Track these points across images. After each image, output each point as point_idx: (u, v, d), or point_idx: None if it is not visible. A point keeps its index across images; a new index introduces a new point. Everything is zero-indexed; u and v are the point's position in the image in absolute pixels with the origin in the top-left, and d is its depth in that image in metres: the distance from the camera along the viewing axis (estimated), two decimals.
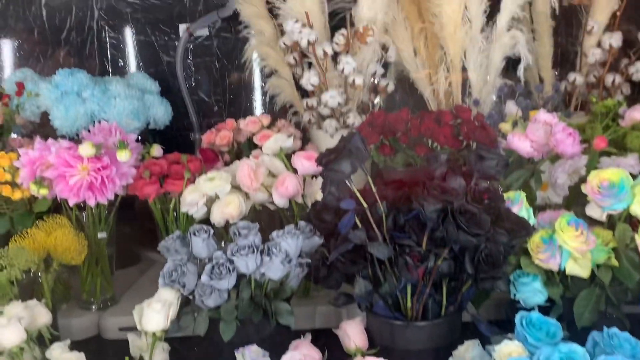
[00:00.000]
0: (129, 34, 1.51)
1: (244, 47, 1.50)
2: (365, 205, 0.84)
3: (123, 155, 1.02)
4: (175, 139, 1.51)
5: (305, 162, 1.06)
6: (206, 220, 1.12)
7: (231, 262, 0.87)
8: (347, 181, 0.83)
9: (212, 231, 0.92)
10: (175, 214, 1.15)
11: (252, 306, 0.90)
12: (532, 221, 0.92)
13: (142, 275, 1.38)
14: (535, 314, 0.81)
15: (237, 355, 0.84)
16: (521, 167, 1.06)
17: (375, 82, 1.29)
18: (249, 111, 1.54)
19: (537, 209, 1.03)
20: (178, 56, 1.45)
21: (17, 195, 1.06)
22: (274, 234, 0.91)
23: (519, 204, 0.92)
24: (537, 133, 1.03)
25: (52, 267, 1.06)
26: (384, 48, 1.27)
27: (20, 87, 1.23)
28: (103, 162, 1.02)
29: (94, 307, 1.18)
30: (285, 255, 0.88)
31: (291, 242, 0.89)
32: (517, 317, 0.81)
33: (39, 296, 1.01)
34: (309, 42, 1.18)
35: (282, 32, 1.30)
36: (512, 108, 1.20)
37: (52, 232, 1.08)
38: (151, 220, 1.34)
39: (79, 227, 1.12)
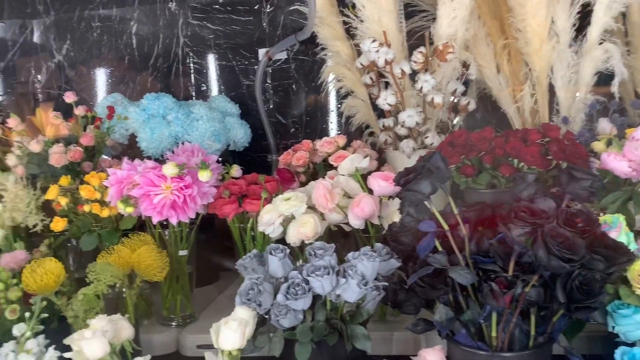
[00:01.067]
0: (211, 59, 1.57)
1: (320, 68, 1.52)
2: (446, 227, 0.81)
3: (204, 176, 1.05)
4: (254, 160, 1.54)
5: (381, 183, 1.03)
6: (282, 240, 1.13)
7: (307, 282, 0.85)
8: (426, 202, 0.80)
9: (288, 250, 0.91)
10: (252, 233, 1.16)
11: (328, 328, 0.88)
12: (632, 247, 0.84)
13: (220, 294, 1.40)
14: (638, 350, 0.74)
15: None
16: (617, 188, 0.98)
17: (455, 100, 1.25)
18: (324, 132, 1.54)
19: (638, 233, 0.94)
20: (257, 79, 1.49)
21: (105, 213, 1.11)
22: (350, 255, 0.89)
23: (617, 228, 0.85)
24: (635, 152, 0.95)
25: (135, 283, 1.09)
26: (465, 65, 1.23)
27: (111, 110, 1.30)
28: (185, 182, 1.05)
29: (173, 323, 1.21)
30: (362, 277, 0.85)
31: (367, 264, 0.86)
32: (617, 353, 0.74)
33: (122, 311, 1.05)
34: (386, 61, 1.17)
35: (359, 53, 1.30)
36: (605, 126, 1.12)
37: (137, 249, 1.12)
38: (229, 239, 1.37)
39: (162, 245, 1.16)
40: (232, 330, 0.82)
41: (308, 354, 0.87)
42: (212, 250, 1.44)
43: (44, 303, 0.96)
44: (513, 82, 1.24)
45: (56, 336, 0.99)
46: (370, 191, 1.09)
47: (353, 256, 0.88)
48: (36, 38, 1.65)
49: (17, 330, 0.93)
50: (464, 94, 1.26)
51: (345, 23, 1.30)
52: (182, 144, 1.26)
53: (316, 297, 0.88)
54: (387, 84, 1.28)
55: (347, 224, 1.10)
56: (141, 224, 1.19)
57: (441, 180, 0.78)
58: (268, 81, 1.54)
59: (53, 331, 0.99)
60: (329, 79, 1.40)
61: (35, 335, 0.94)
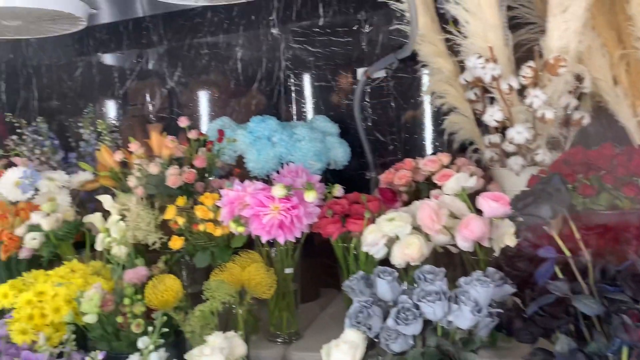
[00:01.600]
0: (311, 80, 1.61)
1: (419, 85, 1.51)
2: (567, 253, 0.76)
3: (310, 196, 1.07)
4: (352, 178, 1.55)
5: (492, 204, 1.00)
6: (385, 260, 1.12)
7: (417, 307, 0.84)
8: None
9: (396, 274, 0.91)
10: (355, 252, 1.17)
11: (439, 355, 0.86)
12: None
13: (322, 311, 1.42)
14: None
15: None
16: None
17: (568, 115, 1.18)
18: (423, 149, 1.52)
19: None
20: (356, 98, 1.50)
21: (218, 232, 1.17)
22: (462, 280, 0.87)
23: None
24: None
25: (245, 300, 1.14)
26: (577, 78, 1.16)
27: (221, 134, 1.37)
28: (292, 202, 1.08)
29: (279, 340, 1.24)
30: (475, 304, 0.83)
31: (481, 290, 0.84)
32: None
33: (232, 326, 1.09)
34: (493, 77, 1.14)
35: (462, 69, 1.27)
36: None
37: (247, 266, 1.16)
38: (330, 257, 1.38)
39: (268, 263, 1.20)
40: (343, 353, 0.83)
41: None
42: (313, 268, 1.46)
43: (165, 318, 1.02)
44: (632, 94, 1.16)
45: (174, 350, 1.06)
46: (478, 211, 1.06)
47: (465, 281, 0.86)
48: (151, 66, 1.78)
49: (141, 343, 0.99)
50: (577, 108, 1.19)
51: (447, 40, 1.28)
52: (287, 164, 1.30)
53: (427, 322, 0.87)
54: (492, 100, 1.24)
55: (454, 245, 1.08)
56: (249, 242, 1.23)
57: (562, 204, 0.74)
58: (366, 99, 1.55)
59: (171, 345, 1.05)
60: (429, 95, 1.38)
61: (157, 348, 1.01)
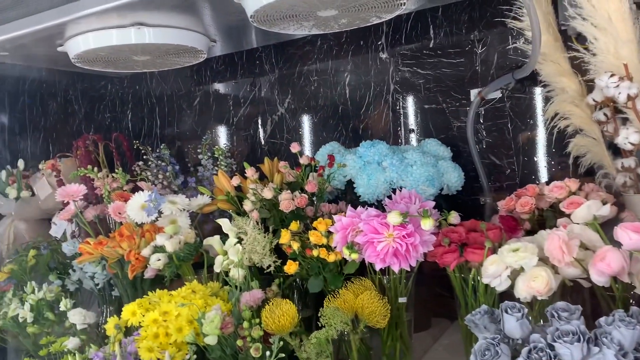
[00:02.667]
0: (420, 103, 1.58)
1: (538, 106, 1.43)
2: None
3: (427, 224, 1.04)
4: (465, 204, 1.49)
5: (633, 235, 0.91)
6: (505, 293, 1.06)
7: (552, 348, 0.78)
8: None
9: (526, 310, 0.85)
10: (473, 283, 1.11)
11: None
12: None
13: (435, 341, 1.36)
14: None
15: None
16: None
17: None
18: (542, 173, 1.43)
19: None
20: (469, 121, 1.45)
21: (331, 258, 1.17)
22: (602, 320, 0.79)
23: None
24: None
25: (359, 328, 1.12)
26: None
27: (331, 159, 1.38)
28: (408, 230, 1.06)
29: None
30: (619, 347, 0.75)
31: (625, 332, 0.76)
32: None
33: (343, 355, 1.08)
34: (628, 97, 1.04)
35: (588, 88, 1.19)
36: None
37: (359, 293, 1.15)
38: (441, 286, 1.33)
39: (381, 290, 1.18)
40: None
41: None
42: (423, 296, 1.41)
43: (281, 343, 1.03)
44: None
45: None
46: (614, 243, 0.97)
47: (606, 322, 0.78)
48: (262, 93, 1.85)
49: None
50: None
51: (572, 58, 1.20)
52: (400, 189, 1.28)
53: None
54: (624, 120, 1.14)
55: (586, 279, 0.99)
56: (361, 268, 1.22)
57: None
58: (480, 121, 1.49)
59: None
60: (551, 117, 1.30)
61: None
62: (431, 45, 1.55)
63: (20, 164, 2.12)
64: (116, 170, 1.64)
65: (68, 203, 1.61)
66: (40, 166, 2.05)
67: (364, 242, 1.10)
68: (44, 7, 1.38)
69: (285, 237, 1.21)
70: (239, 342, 1.04)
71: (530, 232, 1.16)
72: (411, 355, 1.22)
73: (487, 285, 1.08)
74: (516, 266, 1.01)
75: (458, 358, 1.21)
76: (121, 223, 1.51)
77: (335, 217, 1.17)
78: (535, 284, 0.98)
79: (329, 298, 1.16)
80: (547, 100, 1.38)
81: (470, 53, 1.49)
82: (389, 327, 1.19)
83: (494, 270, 1.03)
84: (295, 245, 1.18)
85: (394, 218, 1.04)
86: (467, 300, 1.13)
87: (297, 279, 1.36)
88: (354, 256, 1.10)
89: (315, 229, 1.20)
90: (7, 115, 2.48)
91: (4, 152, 2.48)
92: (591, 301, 1.09)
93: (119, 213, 1.54)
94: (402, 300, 1.18)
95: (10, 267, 1.47)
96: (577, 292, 1.08)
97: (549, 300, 0.99)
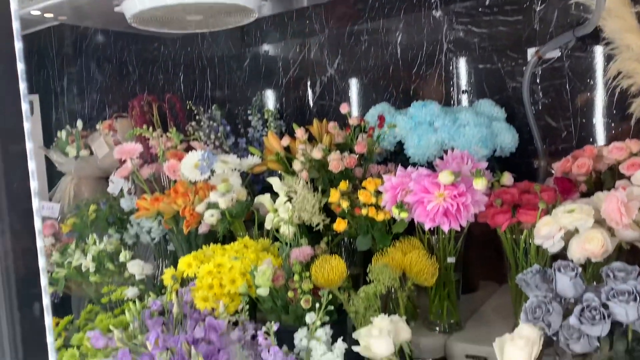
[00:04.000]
0: (475, 63, 1.54)
1: (599, 65, 1.37)
2: None
3: (480, 184, 1.03)
4: (518, 166, 1.45)
5: None
6: (557, 255, 1.04)
7: (606, 307, 0.77)
8: None
9: (579, 270, 0.83)
10: (524, 245, 1.10)
11: None
12: None
13: (482, 304, 1.36)
14: None
15: None
16: None
17: None
18: (601, 136, 1.38)
19: None
20: (525, 81, 1.41)
21: (380, 217, 1.18)
22: None
23: None
24: None
25: (407, 286, 1.13)
26: None
27: (382, 119, 1.37)
28: (459, 190, 1.05)
29: (437, 329, 1.22)
30: None
31: None
32: None
33: (390, 312, 1.10)
34: None
35: None
36: None
37: (408, 252, 1.16)
38: (490, 248, 1.32)
39: (429, 250, 1.18)
40: (519, 348, 0.78)
41: None
42: (472, 259, 1.41)
43: (330, 296, 1.06)
44: None
45: (336, 328, 1.09)
46: None
47: None
48: (312, 54, 1.84)
49: (309, 318, 1.04)
50: None
51: (638, 13, 1.14)
52: (452, 150, 1.26)
53: (615, 325, 0.79)
54: None
55: None
56: (409, 229, 1.22)
57: None
58: (537, 81, 1.44)
59: (334, 323, 1.09)
60: (613, 76, 1.25)
61: (322, 324, 1.05)
62: (487, 3, 1.50)
63: (79, 124, 2.20)
64: (170, 130, 1.68)
65: (125, 161, 1.67)
66: (97, 126, 2.13)
67: (413, 202, 1.10)
68: None
69: (334, 196, 1.22)
70: (290, 294, 1.07)
71: (586, 195, 1.13)
72: (458, 315, 1.22)
73: (538, 247, 1.07)
74: (571, 227, 0.99)
75: (506, 320, 1.21)
76: (175, 181, 1.56)
77: (384, 176, 1.17)
78: (590, 245, 0.96)
79: (377, 256, 1.18)
80: (609, 58, 1.32)
81: (528, 10, 1.43)
82: (437, 286, 1.20)
83: (548, 232, 1.01)
84: (345, 204, 1.20)
85: (445, 177, 1.03)
86: (517, 262, 1.12)
87: (345, 238, 1.38)
88: (404, 215, 1.10)
89: (364, 188, 1.21)
90: (66, 77, 2.57)
91: (63, 113, 2.58)
92: None
93: (174, 171, 1.59)
94: (450, 260, 1.18)
95: (72, 221, 1.55)
96: (633, 256, 1.06)
97: (602, 263, 0.97)
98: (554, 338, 0.82)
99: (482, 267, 1.49)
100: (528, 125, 1.43)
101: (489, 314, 1.29)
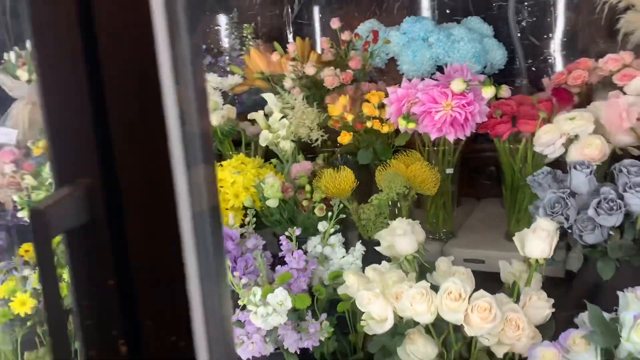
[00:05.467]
0: None
1: None
2: None
3: (489, 92, 1.06)
4: (500, 84, 1.50)
5: None
6: (551, 163, 1.10)
7: (621, 198, 0.83)
8: None
9: (594, 166, 0.89)
10: (524, 154, 1.15)
11: (636, 248, 0.85)
12: None
13: (468, 217, 1.43)
14: None
15: (624, 295, 0.81)
16: None
17: None
18: (586, 54, 1.43)
19: None
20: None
21: (385, 129, 1.19)
22: None
23: None
24: None
25: (410, 195, 1.17)
26: None
27: (375, 34, 1.36)
28: (468, 99, 1.07)
29: (433, 237, 1.27)
30: None
31: None
32: None
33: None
34: None
35: None
36: None
37: (411, 164, 1.19)
38: (465, 166, 1.37)
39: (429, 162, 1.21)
40: (541, 240, 0.84)
41: (612, 272, 0.86)
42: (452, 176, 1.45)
43: (342, 205, 1.08)
44: None
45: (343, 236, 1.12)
46: None
47: None
48: None
49: (321, 226, 1.06)
50: None
51: None
52: (446, 66, 1.27)
53: (625, 216, 0.85)
54: None
55: (638, 147, 1.04)
56: (408, 142, 1.25)
57: None
58: (523, 0, 1.47)
59: (341, 231, 1.11)
60: None
61: (334, 232, 1.07)
62: None
63: (29, 44, 2.03)
64: None
65: None
66: None
67: (420, 112, 1.11)
68: None
69: (337, 109, 1.22)
70: (305, 203, 1.08)
71: (577, 107, 1.19)
72: (453, 225, 1.28)
73: (533, 157, 1.13)
74: (572, 133, 1.05)
75: (493, 229, 1.28)
76: None
77: (389, 89, 1.18)
78: (589, 150, 1.02)
79: (380, 169, 1.19)
80: None
81: None
82: (433, 197, 1.24)
83: (549, 139, 1.07)
84: (350, 117, 1.19)
85: (457, 85, 1.05)
86: (514, 171, 1.18)
87: (339, 156, 1.39)
88: (411, 126, 1.12)
89: (367, 101, 1.21)
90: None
91: (7, 34, 2.36)
92: None
93: None
94: (449, 171, 1.22)
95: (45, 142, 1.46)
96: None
97: (600, 166, 1.03)
98: (569, 231, 0.88)
99: (461, 185, 1.55)
100: (512, 45, 1.46)
101: (476, 225, 1.36)
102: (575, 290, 0.93)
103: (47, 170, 1.42)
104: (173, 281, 0.30)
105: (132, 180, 0.30)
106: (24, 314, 1.19)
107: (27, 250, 1.40)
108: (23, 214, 1.36)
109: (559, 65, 1.46)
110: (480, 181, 1.59)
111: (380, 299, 0.79)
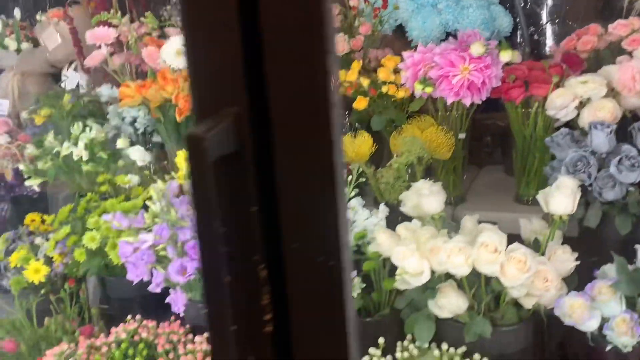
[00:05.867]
0: None
1: None
2: None
3: (506, 55, 1.08)
4: None
5: None
6: (560, 127, 1.14)
7: None
8: None
9: (615, 126, 0.92)
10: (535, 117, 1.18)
11: None
12: None
13: (472, 182, 1.47)
14: None
15: None
16: None
17: None
18: (584, 21, 1.47)
19: None
20: None
21: (401, 94, 1.20)
22: None
23: None
24: None
25: (425, 159, 1.19)
26: None
27: (385, 0, 1.36)
28: (486, 62, 1.09)
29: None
30: None
31: None
32: None
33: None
34: None
35: None
36: None
37: (425, 129, 1.20)
38: (476, 129, 1.40)
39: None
40: (566, 196, 0.87)
41: (630, 226, 0.91)
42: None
43: (361, 169, 1.09)
44: None
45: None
46: None
47: None
48: None
49: None
50: None
51: None
52: (454, 32, 1.29)
53: None
54: None
55: None
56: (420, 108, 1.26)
57: None
58: None
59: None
60: None
61: (354, 196, 1.09)
62: None
63: (17, 12, 1.96)
64: (145, 15, 1.56)
65: (80, 53, 1.55)
66: (37, 16, 1.92)
67: (437, 77, 1.13)
68: None
69: (353, 73, 1.22)
70: None
71: (585, 72, 1.22)
72: (462, 189, 1.31)
73: (544, 122, 1.16)
74: (585, 96, 1.08)
75: (500, 193, 1.32)
76: (147, 72, 1.48)
77: (404, 54, 1.19)
78: (602, 113, 1.05)
79: (394, 134, 1.21)
80: None
81: None
82: (445, 161, 1.26)
83: (561, 102, 1.09)
84: (366, 82, 1.20)
85: (477, 48, 1.06)
86: (524, 136, 1.21)
87: (349, 124, 1.40)
88: (429, 90, 1.13)
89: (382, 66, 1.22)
90: None
91: None
92: None
93: (153, 59, 1.49)
94: (461, 136, 1.25)
95: (48, 112, 1.42)
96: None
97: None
98: (589, 188, 0.92)
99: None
100: (515, 13, 1.48)
101: (482, 189, 1.40)
102: (593, 246, 0.97)
103: (49, 139, 1.39)
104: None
105: (282, 109, 0.30)
106: (37, 282, 1.18)
107: (33, 219, 1.38)
108: (32, 182, 1.34)
109: (559, 34, 1.49)
110: (482, 149, 1.63)
111: (415, 254, 0.82)
